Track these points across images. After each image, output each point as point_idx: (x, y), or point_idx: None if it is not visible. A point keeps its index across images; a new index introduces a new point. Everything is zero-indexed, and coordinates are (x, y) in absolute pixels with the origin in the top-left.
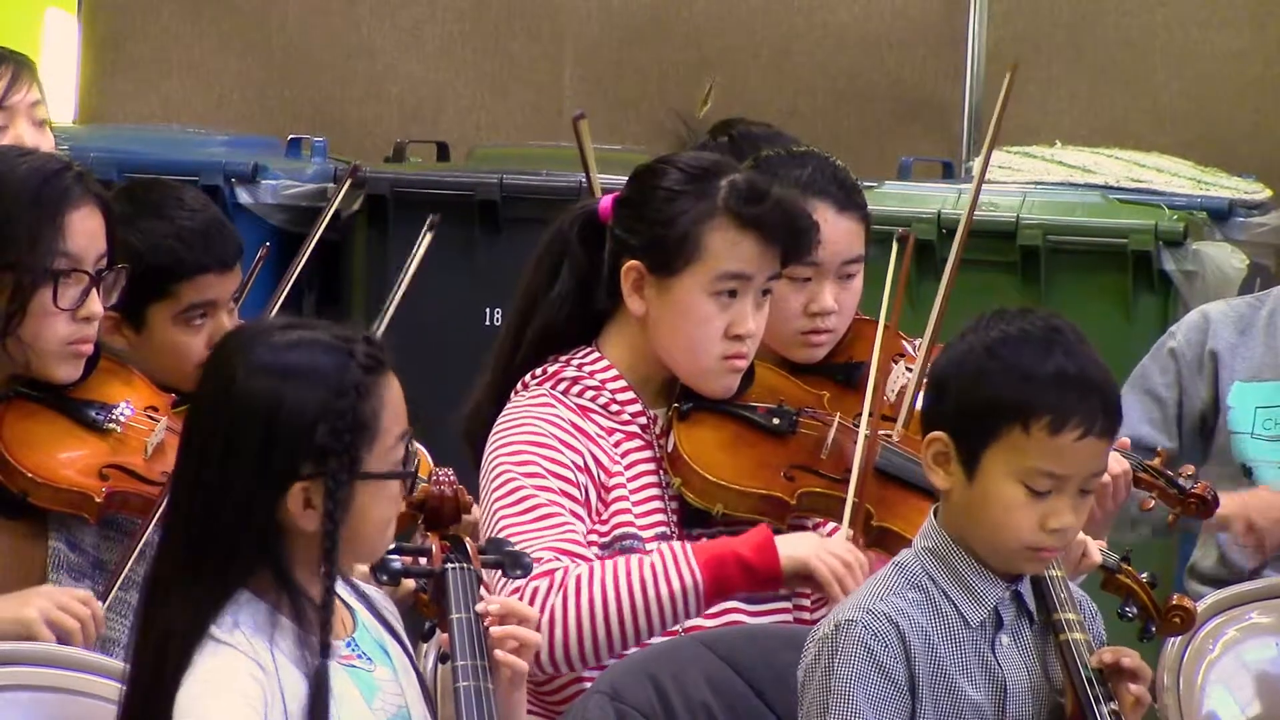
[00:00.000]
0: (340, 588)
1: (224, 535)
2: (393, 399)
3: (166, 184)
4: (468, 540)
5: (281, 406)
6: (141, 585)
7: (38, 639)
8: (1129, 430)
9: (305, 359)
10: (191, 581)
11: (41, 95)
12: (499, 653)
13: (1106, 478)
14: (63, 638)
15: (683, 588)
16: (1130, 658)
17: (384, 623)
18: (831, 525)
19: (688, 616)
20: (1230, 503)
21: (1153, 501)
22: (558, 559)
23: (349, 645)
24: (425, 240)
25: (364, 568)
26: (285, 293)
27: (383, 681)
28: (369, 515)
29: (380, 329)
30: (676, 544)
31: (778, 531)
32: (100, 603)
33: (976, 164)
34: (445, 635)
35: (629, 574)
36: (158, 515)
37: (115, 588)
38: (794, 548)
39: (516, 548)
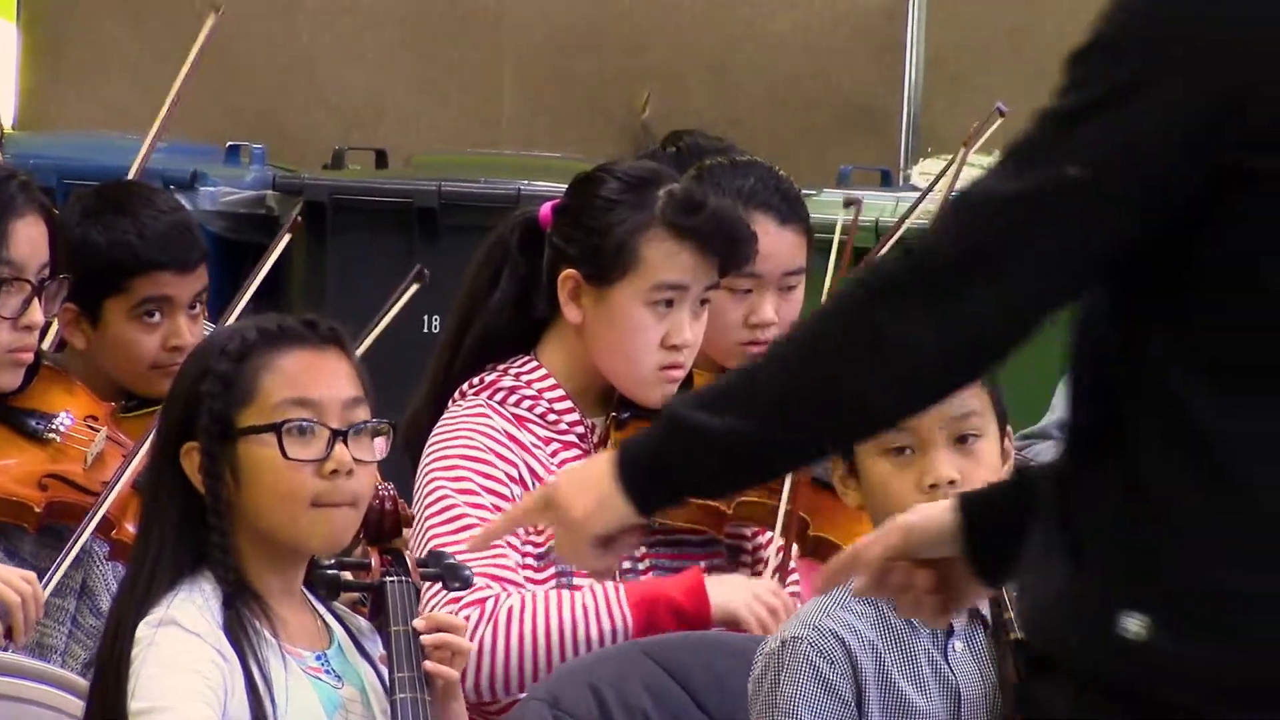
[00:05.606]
0: (319, 608)
1: (166, 520)
2: (290, 368)
3: (142, 185)
4: (407, 554)
5: (179, 381)
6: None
7: None
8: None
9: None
10: (151, 570)
11: None
12: (429, 664)
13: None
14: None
15: (613, 629)
16: None
17: (366, 657)
18: (768, 535)
19: None
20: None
21: None
22: (489, 585)
23: (319, 659)
24: (411, 289)
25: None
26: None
27: (349, 702)
28: (260, 480)
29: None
30: (609, 583)
31: (712, 567)
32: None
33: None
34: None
35: (560, 611)
36: (94, 523)
37: (48, 593)
38: (725, 595)
39: (456, 560)
